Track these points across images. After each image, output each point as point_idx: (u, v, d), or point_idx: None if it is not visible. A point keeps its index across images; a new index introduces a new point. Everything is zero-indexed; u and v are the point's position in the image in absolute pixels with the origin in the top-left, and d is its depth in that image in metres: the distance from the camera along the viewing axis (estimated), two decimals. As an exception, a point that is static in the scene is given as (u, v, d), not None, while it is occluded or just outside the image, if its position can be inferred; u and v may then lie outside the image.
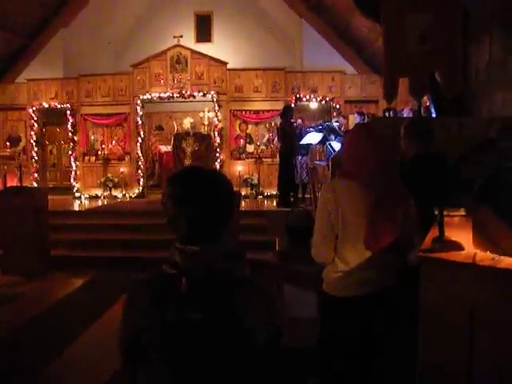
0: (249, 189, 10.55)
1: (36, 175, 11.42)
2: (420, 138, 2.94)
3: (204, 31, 12.97)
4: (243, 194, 9.99)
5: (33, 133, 11.41)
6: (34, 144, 11.43)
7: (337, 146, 7.25)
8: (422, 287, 2.00)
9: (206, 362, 1.22)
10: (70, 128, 11.22)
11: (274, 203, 9.15)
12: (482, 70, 4.41)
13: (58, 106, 11.25)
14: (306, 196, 8.84)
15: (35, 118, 11.38)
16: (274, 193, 9.56)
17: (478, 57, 4.38)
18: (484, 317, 1.88)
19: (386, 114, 7.76)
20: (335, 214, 2.18)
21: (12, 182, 9.88)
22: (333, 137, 7.76)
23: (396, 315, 2.21)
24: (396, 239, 2.15)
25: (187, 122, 10.91)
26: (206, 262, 1.25)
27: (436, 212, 2.34)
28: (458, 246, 2.12)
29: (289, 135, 8.32)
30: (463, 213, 2.82)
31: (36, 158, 11.46)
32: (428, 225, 2.42)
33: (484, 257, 1.99)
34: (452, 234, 2.26)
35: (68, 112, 11.19)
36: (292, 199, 8.48)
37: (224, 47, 12.27)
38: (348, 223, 2.17)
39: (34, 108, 11.32)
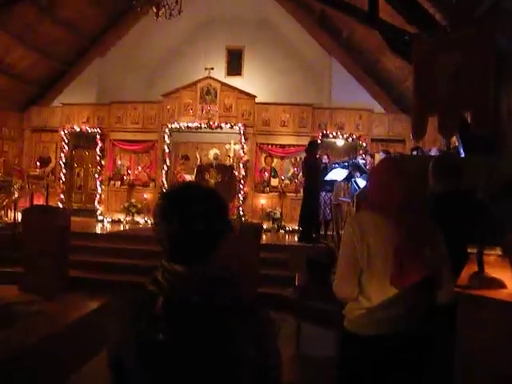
0: (271, 222, 10.48)
1: (62, 196, 11.63)
2: (448, 174, 2.85)
3: (235, 65, 13.25)
4: (265, 227, 9.93)
5: (63, 155, 11.72)
6: (62, 166, 11.71)
7: (362, 183, 7.17)
8: (459, 326, 1.86)
9: None
10: (98, 152, 11.48)
11: (296, 238, 9.02)
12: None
13: (89, 130, 11.54)
14: (329, 233, 8.69)
15: (66, 141, 11.69)
16: (296, 228, 9.44)
17: (510, 96, 4.30)
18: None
19: (414, 153, 7.68)
20: (360, 248, 2.07)
21: (38, 201, 10.08)
22: (358, 174, 7.67)
23: (422, 357, 2.07)
24: (425, 277, 2.04)
25: (212, 153, 10.99)
26: (187, 282, 1.16)
27: (468, 250, 2.24)
28: (499, 284, 2.00)
29: (314, 171, 8.25)
30: (499, 252, 2.69)
31: (63, 179, 11.71)
32: (459, 263, 2.31)
33: (529, 296, 1.87)
34: (489, 273, 2.13)
35: (98, 136, 11.46)
36: (314, 235, 8.34)
37: (253, 81, 12.47)
38: (373, 258, 2.06)
39: (66, 131, 11.64)
